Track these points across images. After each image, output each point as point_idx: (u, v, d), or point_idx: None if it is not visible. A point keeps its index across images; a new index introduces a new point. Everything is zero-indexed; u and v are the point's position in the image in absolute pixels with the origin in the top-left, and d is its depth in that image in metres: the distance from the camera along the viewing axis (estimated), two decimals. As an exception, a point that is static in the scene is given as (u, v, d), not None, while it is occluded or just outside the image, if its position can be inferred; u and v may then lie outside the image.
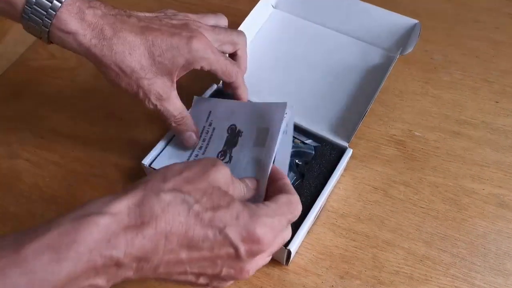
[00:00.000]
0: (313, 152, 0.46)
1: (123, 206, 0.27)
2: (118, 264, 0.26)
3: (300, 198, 0.41)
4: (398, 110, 0.53)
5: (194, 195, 0.29)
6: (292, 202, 0.33)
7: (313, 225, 0.45)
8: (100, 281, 0.27)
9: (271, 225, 0.30)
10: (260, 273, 0.42)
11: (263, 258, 0.32)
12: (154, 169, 0.46)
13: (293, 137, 0.47)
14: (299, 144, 0.47)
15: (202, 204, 0.29)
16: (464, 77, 0.56)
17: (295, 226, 0.41)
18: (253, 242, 0.29)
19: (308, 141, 0.47)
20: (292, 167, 0.45)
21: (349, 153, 0.45)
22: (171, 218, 0.28)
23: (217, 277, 0.30)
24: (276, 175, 0.36)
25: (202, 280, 0.30)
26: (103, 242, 0.26)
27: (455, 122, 0.52)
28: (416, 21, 0.51)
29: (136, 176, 0.49)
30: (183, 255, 0.28)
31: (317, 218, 0.45)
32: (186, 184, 0.29)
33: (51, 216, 0.46)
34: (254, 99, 0.51)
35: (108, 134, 0.53)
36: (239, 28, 0.51)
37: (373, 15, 0.52)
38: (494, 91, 0.54)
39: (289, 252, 0.40)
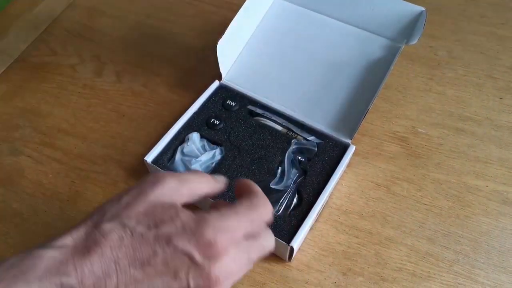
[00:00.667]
0: (316, 149, 0.46)
1: (67, 240, 0.28)
2: None
3: (303, 195, 0.41)
4: (401, 107, 0.53)
5: (134, 218, 0.29)
6: (253, 202, 0.32)
7: (315, 221, 0.45)
8: None
9: (224, 226, 0.29)
10: (263, 269, 0.42)
11: (233, 261, 0.30)
12: (157, 167, 0.46)
13: (296, 133, 0.47)
14: (302, 141, 0.46)
15: (144, 225, 0.29)
16: (468, 73, 0.55)
17: (298, 223, 0.41)
18: (205, 246, 0.29)
19: (311, 138, 0.46)
20: (294, 163, 0.45)
21: (352, 150, 0.45)
22: (115, 243, 0.28)
23: (186, 285, 0.30)
24: (243, 186, 0.35)
25: None
26: (52, 270, 0.26)
27: (459, 118, 0.52)
28: (422, 8, 0.49)
29: (138, 173, 0.49)
30: (139, 274, 0.28)
31: (320, 214, 0.45)
32: (125, 210, 0.30)
33: (54, 213, 0.46)
34: (253, 94, 0.51)
35: (110, 130, 0.53)
36: (238, 17, 0.50)
37: (377, 3, 0.51)
38: (499, 87, 0.54)
39: (292, 249, 0.40)
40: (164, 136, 0.47)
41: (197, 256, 0.29)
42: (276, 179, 0.44)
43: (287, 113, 0.49)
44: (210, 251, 0.29)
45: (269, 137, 0.47)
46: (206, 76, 0.50)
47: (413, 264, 0.42)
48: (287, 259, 0.42)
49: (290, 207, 0.43)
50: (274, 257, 0.43)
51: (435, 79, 0.55)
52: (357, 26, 0.53)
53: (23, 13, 0.63)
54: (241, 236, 0.30)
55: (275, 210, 0.42)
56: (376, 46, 0.51)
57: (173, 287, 0.29)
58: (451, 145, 0.50)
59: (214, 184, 0.34)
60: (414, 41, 0.46)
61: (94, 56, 0.61)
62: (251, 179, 0.43)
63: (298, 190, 0.43)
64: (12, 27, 0.61)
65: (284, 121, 0.48)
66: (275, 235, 0.39)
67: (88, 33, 0.64)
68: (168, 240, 0.29)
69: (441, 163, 0.49)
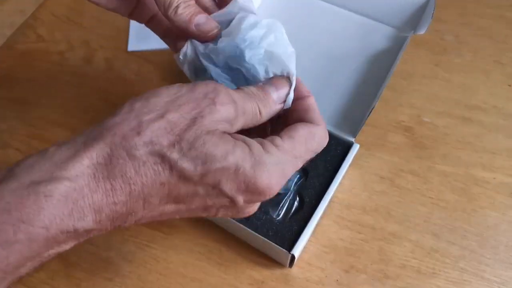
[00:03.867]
0: None
1: (84, 167, 0.22)
2: (87, 232, 0.23)
3: (304, 198, 0.39)
4: (406, 95, 0.51)
5: (178, 148, 0.23)
6: (315, 137, 0.28)
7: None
8: (67, 246, 0.23)
9: (280, 173, 0.26)
10: (262, 267, 0.41)
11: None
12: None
13: None
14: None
15: (189, 159, 0.23)
16: (476, 58, 0.53)
17: (299, 228, 0.39)
18: (254, 194, 0.25)
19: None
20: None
21: (355, 148, 0.43)
22: (148, 180, 0.23)
23: (213, 215, 0.27)
24: (300, 89, 0.30)
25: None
26: (64, 216, 0.21)
27: (466, 107, 0.50)
28: None
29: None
30: (170, 208, 0.25)
31: (321, 209, 0.44)
32: (168, 134, 0.23)
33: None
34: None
35: (101, 121, 0.51)
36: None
37: None
38: (507, 73, 0.52)
39: (293, 257, 0.38)
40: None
41: (240, 201, 0.25)
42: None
43: None
44: (256, 198, 0.26)
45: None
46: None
47: (417, 261, 0.41)
48: (287, 266, 0.40)
49: (290, 211, 0.41)
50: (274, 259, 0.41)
51: (441, 65, 0.53)
52: (361, 14, 0.50)
53: (8, -4, 0.60)
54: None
55: (275, 214, 0.40)
56: (381, 36, 0.48)
57: (201, 215, 0.27)
58: (457, 135, 0.48)
59: (272, 113, 0.29)
60: (422, 31, 0.43)
61: (84, 42, 0.58)
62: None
63: (299, 193, 0.41)
64: (-3, 11, 0.59)
65: None
66: (274, 242, 0.38)
67: (77, 17, 0.61)
68: (215, 184, 0.24)
69: (447, 154, 0.47)
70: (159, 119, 0.24)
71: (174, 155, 0.23)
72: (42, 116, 0.52)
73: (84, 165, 0.22)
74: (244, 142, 0.26)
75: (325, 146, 0.29)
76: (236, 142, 0.25)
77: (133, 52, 0.57)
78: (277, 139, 0.27)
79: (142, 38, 0.57)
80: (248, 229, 0.39)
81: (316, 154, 0.29)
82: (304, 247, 0.41)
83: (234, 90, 0.27)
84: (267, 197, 0.26)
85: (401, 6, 0.48)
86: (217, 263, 0.41)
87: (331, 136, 0.44)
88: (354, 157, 0.44)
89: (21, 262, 0.22)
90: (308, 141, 0.28)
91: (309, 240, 0.42)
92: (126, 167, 0.23)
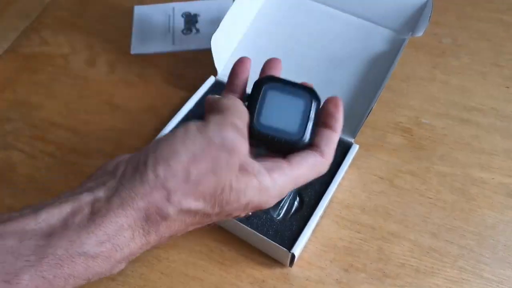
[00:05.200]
0: None
1: (126, 226, 0.27)
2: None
3: (304, 199, 0.40)
4: (404, 96, 0.51)
5: (202, 200, 0.28)
6: (319, 169, 0.31)
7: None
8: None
9: (279, 194, 0.30)
10: (262, 266, 0.41)
11: None
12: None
13: None
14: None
15: (209, 206, 0.28)
16: (473, 61, 0.54)
17: (299, 228, 0.40)
18: (258, 208, 0.30)
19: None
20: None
21: (354, 149, 0.43)
22: (177, 228, 0.28)
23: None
24: (335, 115, 0.33)
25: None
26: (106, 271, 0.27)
27: (464, 108, 0.50)
28: None
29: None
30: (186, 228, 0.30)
31: (321, 209, 0.44)
32: (194, 191, 0.27)
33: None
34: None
35: (104, 123, 0.52)
36: (233, 9, 0.48)
37: None
38: (505, 76, 0.52)
39: (293, 256, 0.38)
40: (162, 131, 0.46)
41: (243, 214, 0.31)
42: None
43: None
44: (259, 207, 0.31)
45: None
46: (203, 65, 0.49)
47: (416, 260, 0.41)
48: (288, 265, 0.41)
49: (290, 211, 0.41)
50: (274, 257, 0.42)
51: (439, 68, 0.53)
52: (359, 16, 0.50)
53: (13, 1, 0.61)
54: None
55: (275, 214, 0.41)
56: (379, 38, 0.49)
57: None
58: (455, 136, 0.48)
59: None
60: (419, 33, 0.44)
61: (87, 45, 0.59)
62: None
63: (299, 193, 0.42)
64: (1, 16, 0.59)
65: None
66: (275, 241, 0.39)
67: (80, 21, 0.61)
68: (227, 215, 0.30)
69: (445, 155, 0.47)
70: (183, 181, 0.27)
71: (200, 207, 0.28)
72: (45, 118, 0.53)
73: (125, 226, 0.26)
74: (254, 175, 0.29)
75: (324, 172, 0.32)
76: (248, 182, 0.29)
77: (135, 55, 0.58)
78: (285, 167, 0.30)
79: (145, 41, 0.58)
80: (249, 229, 0.39)
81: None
82: (304, 247, 0.42)
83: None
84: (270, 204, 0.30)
85: (399, 9, 0.48)
86: (218, 262, 0.42)
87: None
88: (353, 157, 0.44)
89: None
90: (311, 171, 0.31)
91: (309, 240, 0.42)
92: (160, 226, 0.27)
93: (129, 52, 0.58)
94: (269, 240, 0.39)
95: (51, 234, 0.25)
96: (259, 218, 0.40)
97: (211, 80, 0.50)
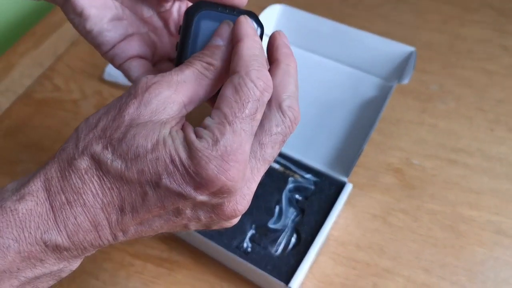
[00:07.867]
0: (313, 187, 0.46)
1: (42, 182, 0.23)
2: (59, 248, 0.23)
3: (301, 235, 0.42)
4: (395, 139, 0.54)
5: (110, 148, 0.23)
6: (242, 92, 0.24)
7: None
8: (54, 268, 0.24)
9: (224, 155, 0.23)
10: (261, 302, 0.43)
11: (248, 189, 0.26)
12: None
13: (293, 171, 0.48)
14: (299, 179, 0.47)
15: (123, 157, 0.23)
16: (459, 106, 0.57)
17: (296, 262, 0.41)
18: (207, 186, 0.23)
19: (308, 176, 0.47)
20: (292, 202, 0.46)
21: (348, 188, 0.46)
22: (96, 188, 0.23)
23: (204, 226, 0.26)
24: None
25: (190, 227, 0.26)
26: (31, 229, 0.22)
27: (451, 150, 0.53)
28: (412, 48, 0.51)
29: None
30: (134, 220, 0.24)
31: (317, 246, 0.46)
32: (101, 138, 0.24)
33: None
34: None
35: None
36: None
37: (368, 43, 0.53)
38: (489, 119, 0.56)
39: None
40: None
41: (202, 197, 0.23)
42: (274, 218, 0.45)
43: (283, 151, 0.49)
44: (216, 189, 0.23)
45: (265, 175, 0.48)
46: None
47: (410, 295, 0.43)
48: None
49: (288, 246, 0.43)
50: (272, 289, 0.43)
51: (428, 112, 0.57)
52: (350, 66, 0.55)
53: (28, 51, 0.65)
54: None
55: (273, 250, 0.43)
56: (368, 85, 0.53)
57: (181, 223, 0.25)
58: (444, 176, 0.51)
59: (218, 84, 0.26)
60: (405, 81, 0.48)
61: (96, 91, 0.63)
62: (248, 218, 0.44)
63: (296, 229, 0.44)
64: (17, 64, 0.63)
65: (281, 159, 0.49)
66: (273, 275, 0.40)
67: (90, 69, 0.66)
68: (156, 181, 0.23)
69: (435, 194, 0.50)
70: (93, 129, 0.24)
71: (108, 156, 0.23)
72: (55, 159, 0.55)
73: (42, 180, 0.23)
74: (183, 130, 0.24)
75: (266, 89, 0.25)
76: (172, 130, 0.23)
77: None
78: (207, 119, 0.24)
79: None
80: (248, 263, 0.41)
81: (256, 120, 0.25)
82: (302, 283, 0.43)
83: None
84: (232, 189, 0.23)
85: (387, 59, 0.53)
86: (218, 298, 0.43)
87: (326, 176, 0.47)
88: (348, 196, 0.46)
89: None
90: (234, 104, 0.24)
91: (306, 276, 0.44)
92: (72, 179, 0.23)
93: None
94: (268, 274, 0.40)
95: None
96: (258, 254, 0.42)
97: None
